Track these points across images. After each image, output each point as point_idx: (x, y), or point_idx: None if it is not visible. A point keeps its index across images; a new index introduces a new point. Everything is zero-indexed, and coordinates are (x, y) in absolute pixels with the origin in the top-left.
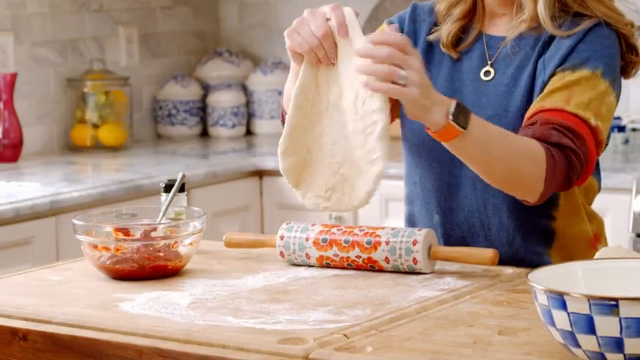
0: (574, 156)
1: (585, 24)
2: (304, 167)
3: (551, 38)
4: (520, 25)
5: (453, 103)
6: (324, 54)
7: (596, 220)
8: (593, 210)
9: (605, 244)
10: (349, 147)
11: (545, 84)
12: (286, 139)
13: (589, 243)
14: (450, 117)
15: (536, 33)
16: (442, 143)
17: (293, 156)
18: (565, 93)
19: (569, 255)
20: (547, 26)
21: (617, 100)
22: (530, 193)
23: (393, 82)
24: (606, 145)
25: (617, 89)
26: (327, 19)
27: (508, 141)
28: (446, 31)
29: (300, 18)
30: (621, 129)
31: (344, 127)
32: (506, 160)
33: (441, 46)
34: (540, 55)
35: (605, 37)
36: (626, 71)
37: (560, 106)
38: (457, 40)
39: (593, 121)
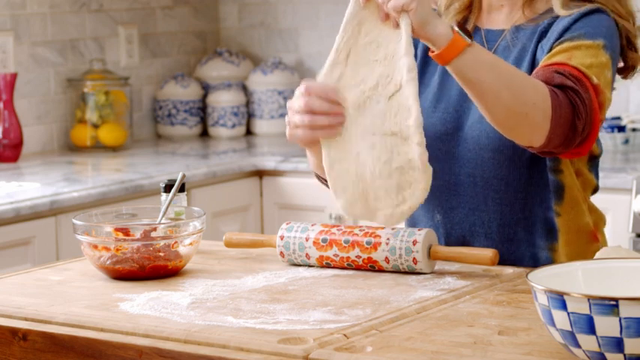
0: (578, 99)
1: (583, 8)
2: (367, 199)
3: (548, 27)
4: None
5: (451, 22)
6: (327, 122)
7: (595, 213)
8: (592, 203)
9: (604, 238)
10: (389, 139)
11: None
12: (329, 180)
13: (589, 235)
14: (455, 28)
15: (533, 24)
16: (448, 67)
17: (345, 192)
18: (565, 54)
19: (570, 248)
20: (557, 9)
21: (612, 86)
22: (537, 132)
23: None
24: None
25: (614, 71)
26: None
27: (511, 67)
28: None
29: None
30: (621, 129)
31: (374, 123)
32: (512, 83)
33: None
34: (538, 43)
35: (604, 20)
36: (625, 70)
37: (562, 61)
38: None
39: (594, 79)
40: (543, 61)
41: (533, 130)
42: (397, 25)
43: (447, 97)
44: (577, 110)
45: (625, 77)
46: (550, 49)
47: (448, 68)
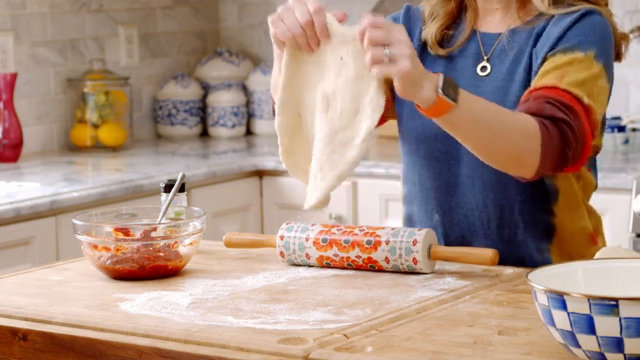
0: (568, 129)
1: (576, 12)
2: (295, 132)
3: (543, 30)
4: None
5: (440, 77)
6: (305, 41)
7: (594, 216)
8: (591, 206)
9: (604, 241)
10: (325, 150)
11: (537, 72)
12: (283, 91)
13: (588, 238)
14: (440, 91)
15: (529, 26)
16: (434, 120)
17: (287, 113)
18: (558, 72)
19: (569, 250)
20: (543, 9)
21: (610, 88)
22: (527, 169)
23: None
24: (601, 132)
25: (610, 74)
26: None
27: (500, 114)
28: (425, 34)
29: (284, 5)
30: (621, 129)
31: (319, 132)
32: (500, 133)
33: (429, 48)
34: (534, 47)
35: (597, 24)
36: (616, 51)
37: (553, 83)
38: (450, 39)
39: (585, 100)
40: (536, 78)
41: (521, 168)
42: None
43: None
44: (567, 140)
45: (618, 59)
46: (544, 59)
47: (435, 121)
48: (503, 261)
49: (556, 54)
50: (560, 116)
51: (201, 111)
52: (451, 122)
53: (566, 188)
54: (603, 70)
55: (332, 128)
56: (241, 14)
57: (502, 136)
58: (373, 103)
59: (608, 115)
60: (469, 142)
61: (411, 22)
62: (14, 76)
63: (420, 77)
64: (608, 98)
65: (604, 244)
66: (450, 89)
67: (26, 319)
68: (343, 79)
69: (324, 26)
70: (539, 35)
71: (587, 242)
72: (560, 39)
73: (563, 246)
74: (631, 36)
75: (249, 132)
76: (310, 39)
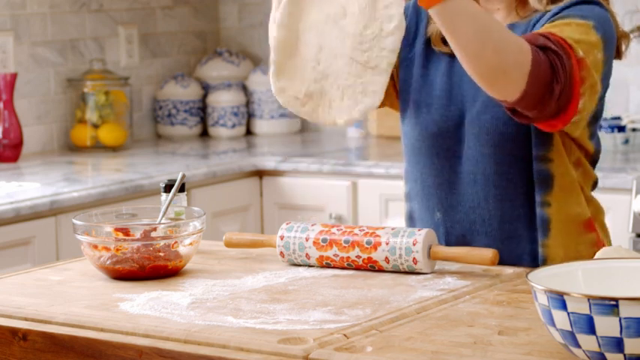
0: (558, 61)
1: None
2: (290, 53)
3: (539, 20)
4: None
5: None
6: None
7: (593, 205)
8: (593, 196)
9: (605, 232)
10: (338, 66)
11: None
12: (285, 8)
13: (583, 225)
14: None
15: (527, 20)
16: (432, 12)
17: (286, 31)
18: (556, 29)
19: (565, 239)
20: (539, 8)
21: (606, 68)
22: (513, 87)
23: None
24: (591, 127)
25: (608, 55)
26: None
27: (497, 22)
28: (430, 29)
29: None
30: (621, 129)
31: (339, 44)
32: (494, 38)
33: (432, 44)
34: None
35: (596, 8)
36: (617, 49)
37: (551, 31)
38: None
39: (580, 53)
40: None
41: (508, 85)
42: None
43: (447, 94)
44: (556, 73)
45: (618, 57)
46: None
47: (431, 13)
48: (504, 258)
49: (554, 21)
50: (553, 48)
51: (201, 111)
52: (447, 12)
53: (562, 175)
54: (601, 42)
55: (356, 27)
56: (241, 14)
57: (496, 42)
58: None
59: (608, 115)
60: (462, 41)
61: (419, 14)
62: (14, 76)
63: None
64: (604, 91)
65: (606, 236)
66: None
67: (26, 319)
68: None
69: None
70: (534, 25)
71: (583, 229)
72: (556, 15)
73: (560, 235)
74: (631, 36)
75: (249, 132)
76: None
